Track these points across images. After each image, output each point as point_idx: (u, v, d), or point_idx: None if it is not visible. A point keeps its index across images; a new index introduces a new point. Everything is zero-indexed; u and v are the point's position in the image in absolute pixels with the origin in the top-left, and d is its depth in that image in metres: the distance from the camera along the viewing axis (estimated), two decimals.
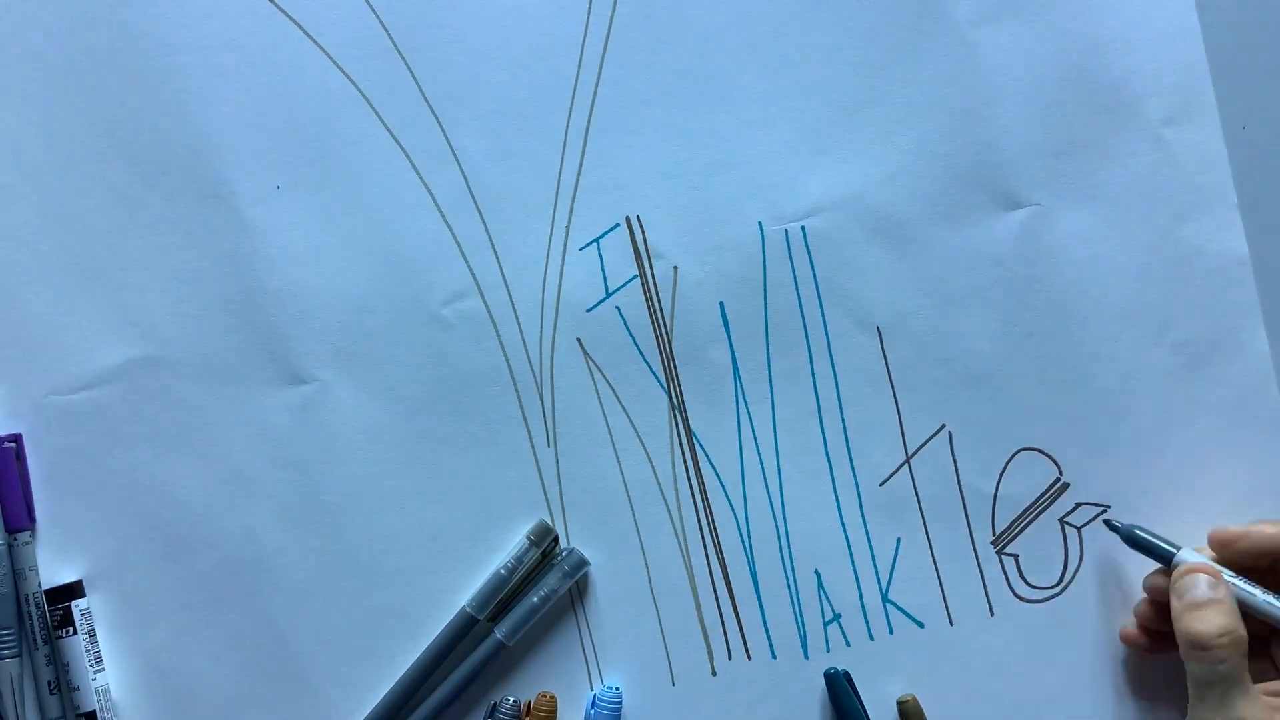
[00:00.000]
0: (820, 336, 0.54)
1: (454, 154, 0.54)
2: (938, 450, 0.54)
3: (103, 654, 0.53)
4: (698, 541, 0.54)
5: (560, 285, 0.54)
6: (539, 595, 0.53)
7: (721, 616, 0.54)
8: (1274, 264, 0.54)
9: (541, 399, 0.54)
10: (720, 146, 0.54)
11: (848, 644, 0.54)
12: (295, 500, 0.54)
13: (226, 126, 0.54)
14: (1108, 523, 0.52)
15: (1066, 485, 0.54)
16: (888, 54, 0.54)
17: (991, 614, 0.54)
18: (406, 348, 0.54)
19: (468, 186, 0.54)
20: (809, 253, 0.54)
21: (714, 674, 0.54)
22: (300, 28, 0.54)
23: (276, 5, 0.54)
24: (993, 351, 0.54)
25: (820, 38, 0.54)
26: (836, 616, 0.54)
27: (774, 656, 0.54)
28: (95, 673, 0.53)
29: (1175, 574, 0.49)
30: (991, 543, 0.54)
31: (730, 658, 0.54)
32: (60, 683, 0.53)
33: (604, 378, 0.54)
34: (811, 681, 0.54)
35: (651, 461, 0.54)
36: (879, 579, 0.54)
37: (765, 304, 0.54)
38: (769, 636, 0.54)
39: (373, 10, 0.54)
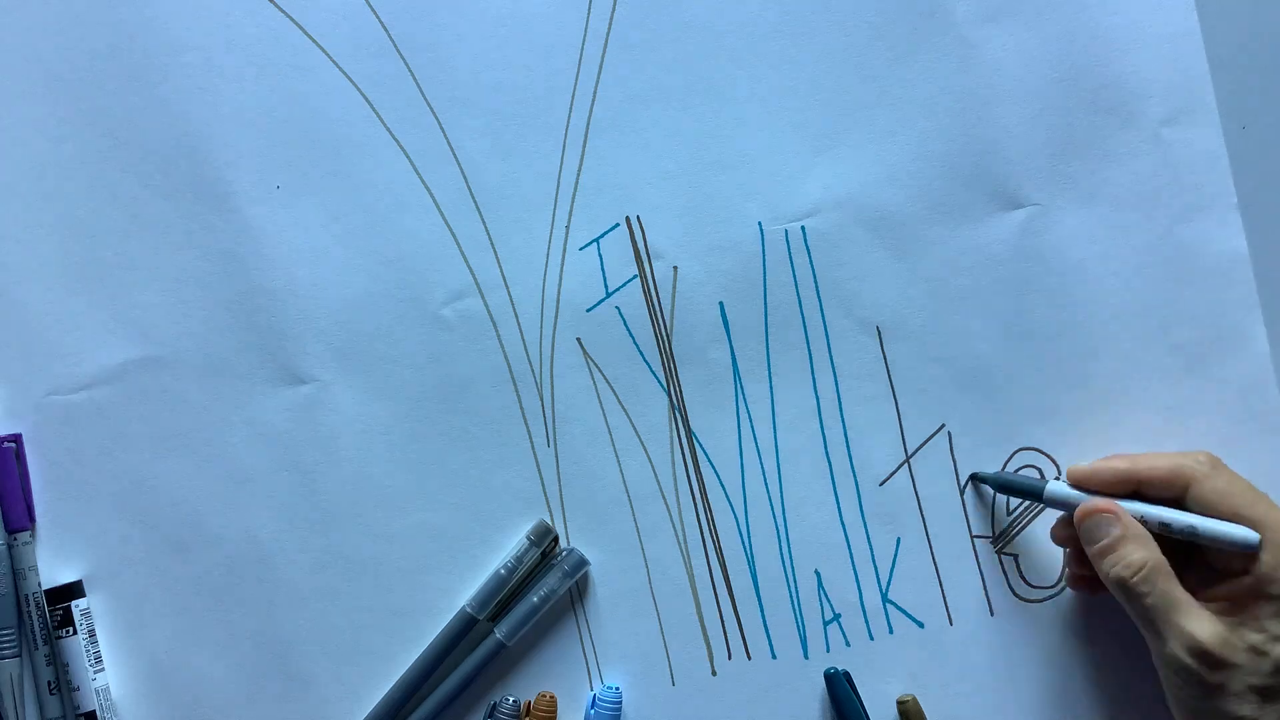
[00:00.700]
0: (820, 336, 0.54)
1: (454, 154, 0.54)
2: (938, 450, 0.54)
3: (103, 654, 0.53)
4: (698, 541, 0.54)
5: (560, 285, 0.54)
6: (539, 595, 0.53)
7: (721, 616, 0.54)
8: (1274, 264, 0.54)
9: (541, 399, 0.54)
10: (720, 146, 0.54)
11: (848, 644, 0.54)
12: (295, 500, 0.54)
13: (226, 126, 0.54)
14: (974, 476, 0.53)
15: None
16: (888, 54, 0.54)
17: (991, 614, 0.54)
18: (406, 348, 0.54)
19: (468, 186, 0.54)
20: (809, 253, 0.54)
21: (714, 674, 0.54)
22: (300, 28, 0.54)
23: (276, 5, 0.54)
24: (993, 351, 0.54)
25: (820, 38, 0.54)
26: (836, 616, 0.54)
27: (774, 656, 0.54)
28: (95, 673, 0.53)
29: (1076, 517, 0.49)
30: (991, 543, 0.54)
31: (730, 658, 0.54)
32: (60, 683, 0.53)
33: (604, 378, 0.54)
34: (811, 681, 0.54)
35: (651, 461, 0.54)
36: (879, 579, 0.54)
37: (765, 304, 0.54)
38: (769, 636, 0.54)
39: (373, 10, 0.54)
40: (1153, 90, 0.54)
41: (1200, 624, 0.46)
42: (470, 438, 0.54)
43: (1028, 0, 0.54)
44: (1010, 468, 0.54)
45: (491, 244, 0.54)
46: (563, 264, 0.54)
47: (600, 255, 0.54)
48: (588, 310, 0.54)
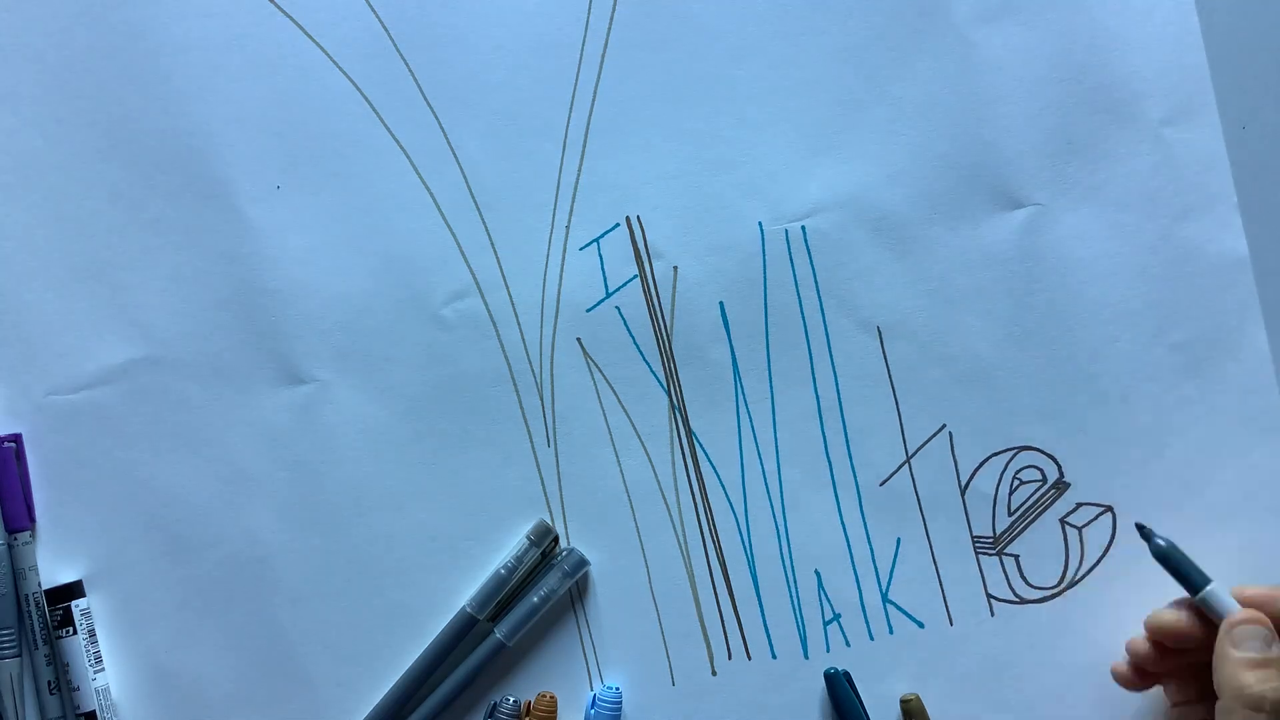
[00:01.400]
0: (820, 336, 0.54)
1: (454, 154, 0.54)
2: (938, 450, 0.54)
3: (102, 654, 0.53)
4: (698, 541, 0.54)
5: (560, 285, 0.54)
6: (539, 595, 0.53)
7: (721, 617, 0.54)
8: (1274, 264, 0.54)
9: (541, 399, 0.54)
10: (720, 146, 0.54)
11: (848, 644, 0.54)
12: (295, 500, 0.54)
13: (226, 126, 0.54)
14: (1140, 528, 0.50)
15: (1067, 485, 0.54)
16: (888, 54, 0.54)
17: (991, 614, 0.54)
18: (406, 348, 0.54)
19: (468, 186, 0.54)
20: (809, 253, 0.54)
21: (714, 674, 0.54)
22: (300, 28, 0.54)
23: (277, 5, 0.54)
24: (993, 351, 0.54)
25: (820, 38, 0.54)
26: (836, 616, 0.54)
27: (774, 656, 0.54)
28: (95, 673, 0.53)
29: (1230, 621, 0.47)
30: (992, 543, 0.54)
31: (730, 658, 0.54)
32: (60, 683, 0.53)
33: (604, 378, 0.54)
34: (811, 681, 0.54)
35: (651, 461, 0.54)
36: (879, 579, 0.54)
37: (765, 304, 0.54)
38: (769, 636, 0.54)
39: (373, 10, 0.54)
40: (1153, 90, 0.54)
41: None
42: (470, 438, 0.54)
43: (1027, 0, 0.54)
44: (1011, 468, 0.54)
45: (491, 244, 0.54)
46: (563, 264, 0.54)
47: (600, 255, 0.54)
48: (588, 310, 0.54)
